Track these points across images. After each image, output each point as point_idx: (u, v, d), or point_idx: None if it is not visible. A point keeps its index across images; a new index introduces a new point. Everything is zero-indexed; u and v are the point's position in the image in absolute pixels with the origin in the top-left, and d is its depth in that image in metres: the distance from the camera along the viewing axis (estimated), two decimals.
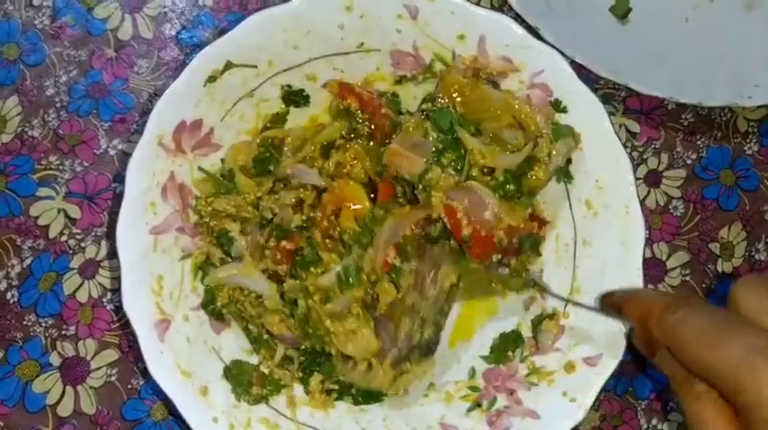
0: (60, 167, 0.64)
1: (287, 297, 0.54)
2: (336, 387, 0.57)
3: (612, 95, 0.68)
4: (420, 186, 0.54)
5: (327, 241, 0.54)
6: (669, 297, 0.49)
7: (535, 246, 0.57)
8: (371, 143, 0.58)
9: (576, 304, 0.56)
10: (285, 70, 0.58)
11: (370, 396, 0.57)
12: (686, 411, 0.44)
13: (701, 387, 0.42)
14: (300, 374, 0.57)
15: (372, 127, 0.58)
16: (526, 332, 0.59)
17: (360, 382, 0.54)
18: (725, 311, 0.43)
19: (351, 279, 0.52)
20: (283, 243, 0.55)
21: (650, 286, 0.67)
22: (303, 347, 0.56)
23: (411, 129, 0.56)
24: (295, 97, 0.60)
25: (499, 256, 0.55)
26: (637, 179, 0.67)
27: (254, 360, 0.57)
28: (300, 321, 0.53)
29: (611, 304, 0.51)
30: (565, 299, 0.57)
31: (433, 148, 0.54)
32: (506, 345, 0.58)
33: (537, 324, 0.58)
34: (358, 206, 0.55)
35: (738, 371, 0.38)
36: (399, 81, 0.60)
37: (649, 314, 0.45)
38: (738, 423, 0.40)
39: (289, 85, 0.59)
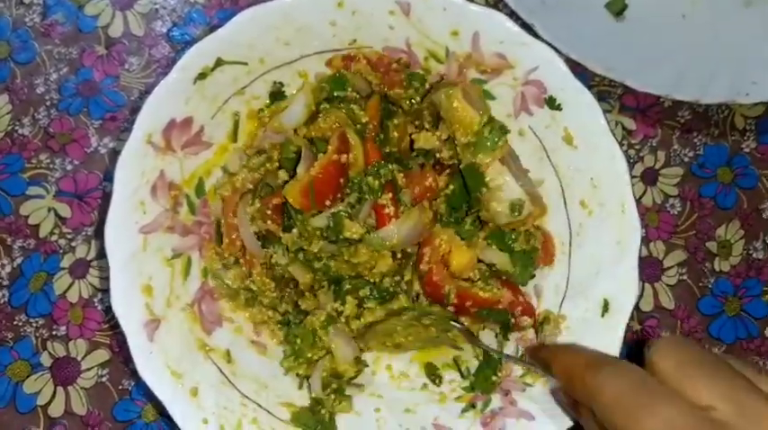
0: (50, 166, 0.64)
1: (292, 248, 0.55)
2: (368, 292, 0.56)
3: (608, 93, 0.68)
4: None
5: None
6: (593, 355, 0.48)
7: (503, 325, 0.57)
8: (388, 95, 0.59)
9: (510, 358, 0.56)
10: (276, 67, 0.57)
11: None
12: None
13: None
14: (334, 303, 0.56)
15: (385, 86, 0.58)
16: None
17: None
18: (645, 375, 0.42)
19: (340, 225, 0.53)
20: (273, 200, 0.55)
21: (647, 285, 0.66)
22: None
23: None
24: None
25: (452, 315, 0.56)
26: (633, 177, 0.66)
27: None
28: (325, 265, 0.55)
29: (538, 360, 0.52)
30: (499, 353, 0.57)
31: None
32: (486, 373, 0.57)
33: (539, 330, 0.58)
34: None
35: None
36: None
37: (572, 373, 0.45)
38: None
39: (280, 82, 0.58)
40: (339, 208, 0.54)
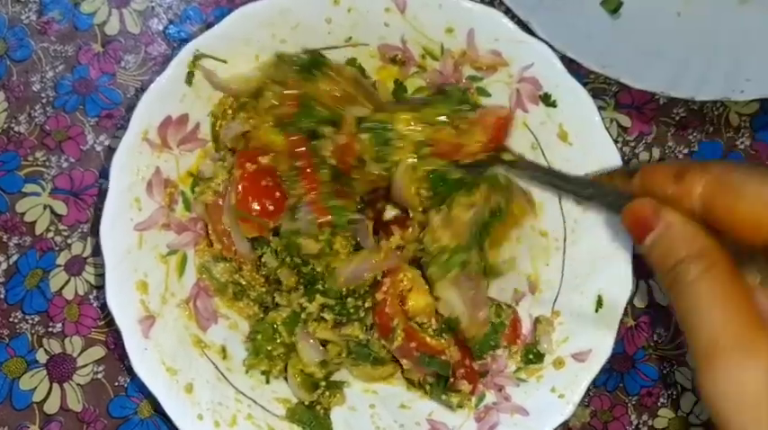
0: (47, 163, 0.64)
1: (281, 253, 0.55)
2: (335, 311, 0.55)
3: (604, 90, 0.68)
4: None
5: None
6: (678, 162, 0.44)
7: (439, 378, 0.56)
8: None
9: (576, 181, 0.53)
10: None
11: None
12: (679, 302, 0.38)
13: (697, 268, 0.37)
14: (302, 300, 0.55)
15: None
16: None
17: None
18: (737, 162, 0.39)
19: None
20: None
21: (641, 281, 0.66)
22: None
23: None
24: None
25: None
26: None
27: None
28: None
29: (612, 184, 0.47)
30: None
31: None
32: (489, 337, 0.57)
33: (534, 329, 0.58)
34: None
35: None
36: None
37: (659, 182, 0.40)
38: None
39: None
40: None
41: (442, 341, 0.55)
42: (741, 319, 0.36)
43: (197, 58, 0.54)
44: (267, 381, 0.57)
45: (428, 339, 0.54)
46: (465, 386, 0.55)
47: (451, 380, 0.55)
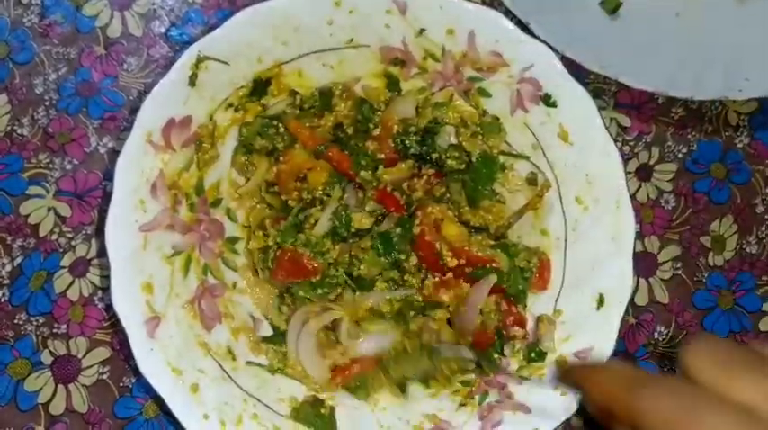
0: (50, 166, 0.64)
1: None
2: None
3: (603, 90, 0.68)
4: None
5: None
6: (630, 374, 0.42)
7: (498, 332, 0.57)
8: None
9: (529, 381, 0.56)
10: (273, 66, 0.58)
11: None
12: None
13: None
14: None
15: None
16: None
17: None
18: (690, 388, 0.40)
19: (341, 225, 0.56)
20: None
21: (642, 279, 0.67)
22: None
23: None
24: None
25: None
26: (628, 173, 0.67)
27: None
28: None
29: (570, 383, 0.46)
30: (518, 378, 0.57)
31: None
32: (489, 354, 0.58)
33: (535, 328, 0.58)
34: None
35: None
36: (389, 76, 0.60)
37: (612, 397, 0.41)
38: None
39: (269, 79, 0.58)
40: (335, 204, 0.56)
41: (489, 251, 0.57)
42: None
43: (200, 60, 0.54)
44: (272, 374, 0.59)
45: (475, 251, 0.56)
46: (518, 331, 0.57)
47: (505, 332, 0.57)
